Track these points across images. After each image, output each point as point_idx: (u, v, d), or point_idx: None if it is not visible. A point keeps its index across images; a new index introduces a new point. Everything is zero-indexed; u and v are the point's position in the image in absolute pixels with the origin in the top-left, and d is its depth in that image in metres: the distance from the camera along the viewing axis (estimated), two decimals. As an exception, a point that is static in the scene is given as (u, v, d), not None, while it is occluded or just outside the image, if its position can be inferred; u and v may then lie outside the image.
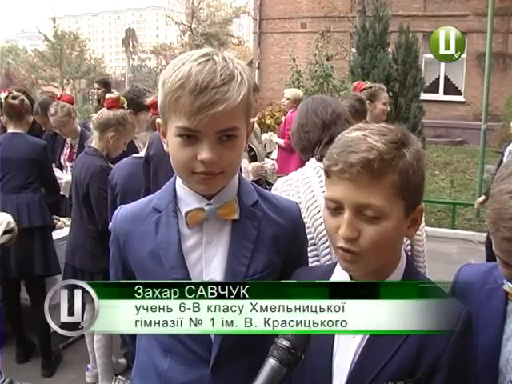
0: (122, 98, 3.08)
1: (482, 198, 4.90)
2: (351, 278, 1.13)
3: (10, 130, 3.40)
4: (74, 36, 30.88)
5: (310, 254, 1.75)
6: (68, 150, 4.03)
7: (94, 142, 2.98)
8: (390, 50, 9.10)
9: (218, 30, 29.41)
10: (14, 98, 3.41)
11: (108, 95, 3.12)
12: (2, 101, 3.38)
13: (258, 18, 18.14)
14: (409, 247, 1.77)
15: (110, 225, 1.30)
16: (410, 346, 1.03)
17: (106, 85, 6.00)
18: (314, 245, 1.76)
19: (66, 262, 3.07)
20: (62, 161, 4.06)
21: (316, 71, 12.39)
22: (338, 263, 1.13)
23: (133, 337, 1.38)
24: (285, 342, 0.94)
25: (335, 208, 1.05)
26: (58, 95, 4.04)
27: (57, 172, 3.85)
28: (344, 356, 1.08)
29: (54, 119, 3.80)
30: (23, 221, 3.17)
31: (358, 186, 1.01)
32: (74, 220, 3.11)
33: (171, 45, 36.10)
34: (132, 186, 2.51)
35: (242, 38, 36.25)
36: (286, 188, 1.90)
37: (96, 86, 6.23)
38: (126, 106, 3.10)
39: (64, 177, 3.85)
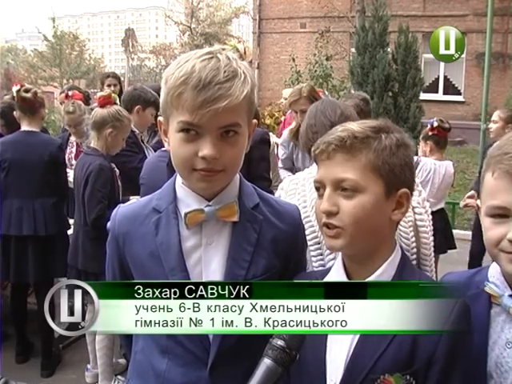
0: (113, 94, 3.07)
1: (472, 192, 4.20)
2: (345, 267, 1.14)
3: (24, 127, 3.30)
4: (74, 36, 30.84)
5: (314, 253, 1.76)
6: (74, 149, 4.02)
7: (93, 141, 2.98)
8: (389, 49, 9.08)
9: (218, 30, 29.39)
10: (27, 91, 3.30)
11: (99, 93, 3.12)
12: (15, 94, 3.29)
13: (257, 17, 18.14)
14: (414, 249, 1.74)
15: (109, 224, 1.29)
16: (404, 339, 1.04)
17: (120, 81, 5.26)
18: (319, 243, 1.77)
19: (70, 263, 3.05)
20: (66, 160, 4.05)
21: (315, 71, 12.39)
22: (335, 260, 1.16)
23: (128, 338, 1.37)
24: (279, 342, 0.94)
25: (320, 189, 1.13)
26: (70, 93, 4.01)
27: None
28: (339, 350, 1.09)
29: (72, 117, 3.81)
30: (40, 229, 3.18)
31: (334, 163, 1.10)
32: (75, 221, 3.10)
33: (171, 45, 36.10)
34: (157, 180, 2.48)
35: (241, 37, 36.20)
36: (292, 187, 1.90)
37: (109, 81, 5.02)
38: (118, 102, 3.09)
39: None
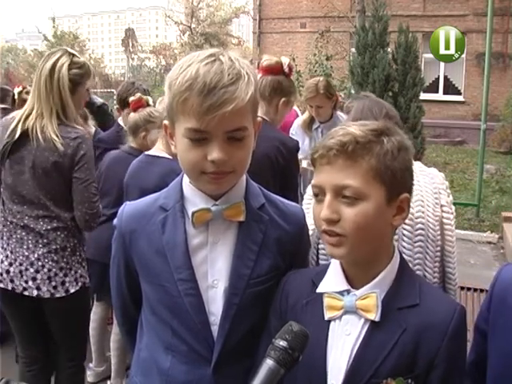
0: (144, 97, 3.07)
1: None
2: (344, 271, 1.12)
3: None
4: (74, 36, 30.90)
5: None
6: None
7: (131, 143, 2.98)
8: (389, 49, 9.08)
9: (218, 30, 29.40)
10: (28, 92, 3.08)
11: (131, 98, 3.09)
12: (16, 96, 3.14)
13: (257, 17, 18.17)
14: (439, 242, 1.81)
15: (115, 221, 1.30)
16: (406, 343, 1.04)
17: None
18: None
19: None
20: None
21: (316, 71, 12.39)
22: (330, 257, 1.14)
23: (132, 336, 1.38)
24: (282, 343, 0.93)
25: (319, 194, 1.09)
26: None
27: None
28: (340, 354, 1.08)
29: None
30: None
31: (335, 169, 1.06)
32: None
33: (171, 45, 36.07)
34: (139, 183, 2.50)
35: (241, 37, 36.27)
36: None
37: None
38: (151, 103, 3.08)
39: None
